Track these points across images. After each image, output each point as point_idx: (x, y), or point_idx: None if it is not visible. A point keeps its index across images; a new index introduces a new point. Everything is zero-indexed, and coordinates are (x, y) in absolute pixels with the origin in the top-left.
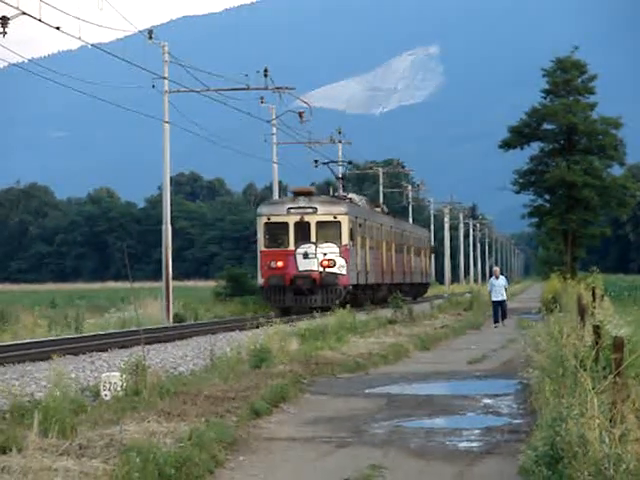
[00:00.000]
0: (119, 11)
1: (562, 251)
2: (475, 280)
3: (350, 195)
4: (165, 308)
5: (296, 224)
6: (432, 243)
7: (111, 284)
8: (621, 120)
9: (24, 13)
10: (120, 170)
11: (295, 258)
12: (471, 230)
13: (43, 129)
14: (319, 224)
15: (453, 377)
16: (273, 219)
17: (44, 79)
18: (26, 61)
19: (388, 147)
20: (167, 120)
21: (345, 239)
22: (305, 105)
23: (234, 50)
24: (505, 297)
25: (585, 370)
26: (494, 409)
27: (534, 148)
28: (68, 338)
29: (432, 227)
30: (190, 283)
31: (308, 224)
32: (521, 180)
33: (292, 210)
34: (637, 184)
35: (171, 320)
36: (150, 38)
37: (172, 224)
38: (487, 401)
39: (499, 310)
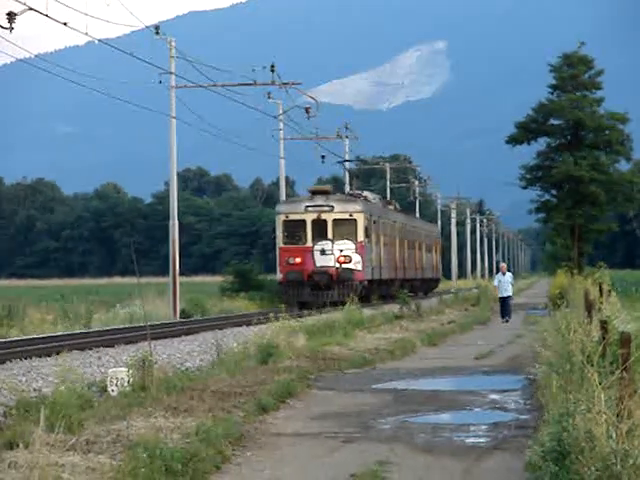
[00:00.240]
0: (126, 6)
1: (569, 246)
2: (482, 275)
3: (364, 193)
4: (172, 303)
5: (313, 222)
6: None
7: (117, 280)
8: (628, 115)
9: (31, 9)
10: (127, 165)
11: (313, 254)
12: (478, 225)
13: (50, 124)
14: (335, 222)
15: (460, 372)
16: (291, 217)
17: (51, 75)
18: (33, 57)
19: (395, 142)
20: (174, 115)
21: (360, 236)
22: (312, 100)
23: (241, 45)
24: (511, 293)
25: (592, 365)
26: (501, 405)
27: (541, 143)
28: (75, 333)
29: (439, 222)
30: (197, 278)
31: (325, 222)
32: (528, 175)
33: (309, 208)
34: None
35: (178, 315)
36: (157, 33)
37: (179, 219)
38: (494, 397)
39: (505, 305)
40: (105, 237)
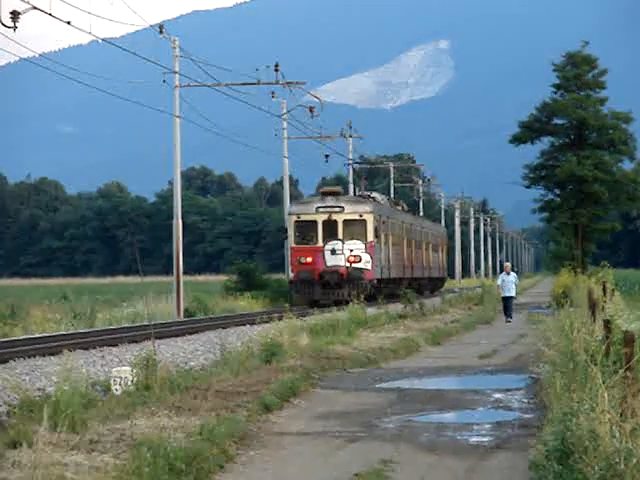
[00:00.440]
0: (130, 6)
1: (572, 246)
2: (486, 275)
3: (373, 194)
4: (176, 303)
5: (324, 222)
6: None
7: (121, 279)
8: (631, 115)
9: (35, 8)
10: (130, 165)
11: (323, 254)
12: (482, 225)
13: (53, 124)
14: (346, 222)
15: (464, 372)
16: (303, 217)
17: (55, 74)
18: (37, 56)
19: (399, 142)
20: (178, 115)
21: (370, 236)
22: (316, 100)
23: (245, 45)
24: (513, 294)
25: (596, 365)
26: (505, 404)
27: (545, 143)
28: (78, 332)
29: (443, 222)
30: (201, 278)
31: (335, 222)
32: (531, 175)
33: (320, 209)
34: None
35: (182, 315)
36: (161, 33)
37: (183, 219)
38: (498, 396)
39: (508, 305)
40: (109, 236)
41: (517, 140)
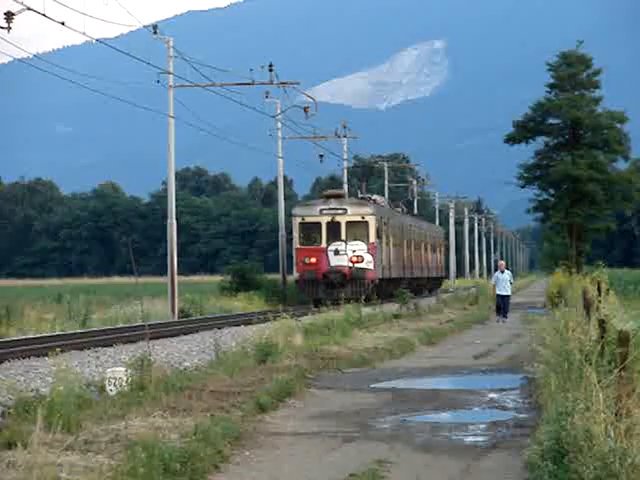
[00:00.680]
0: (124, 6)
1: (567, 245)
2: (480, 274)
3: (374, 196)
4: (170, 303)
5: (328, 224)
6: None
7: (116, 279)
8: (626, 114)
9: (29, 8)
10: (125, 165)
11: (327, 255)
12: (476, 224)
13: (48, 124)
14: (349, 224)
15: (459, 372)
16: (307, 219)
17: (49, 74)
18: (31, 56)
19: (393, 142)
20: (172, 115)
21: (372, 237)
22: (310, 100)
23: (239, 45)
24: (509, 292)
25: (590, 364)
26: (500, 403)
27: (539, 142)
28: (73, 333)
29: (437, 222)
30: (196, 278)
31: (339, 224)
32: (526, 174)
33: (324, 211)
34: None
35: (176, 315)
36: (155, 33)
37: (177, 219)
38: (493, 395)
39: (502, 304)
40: (103, 237)
41: (511, 140)
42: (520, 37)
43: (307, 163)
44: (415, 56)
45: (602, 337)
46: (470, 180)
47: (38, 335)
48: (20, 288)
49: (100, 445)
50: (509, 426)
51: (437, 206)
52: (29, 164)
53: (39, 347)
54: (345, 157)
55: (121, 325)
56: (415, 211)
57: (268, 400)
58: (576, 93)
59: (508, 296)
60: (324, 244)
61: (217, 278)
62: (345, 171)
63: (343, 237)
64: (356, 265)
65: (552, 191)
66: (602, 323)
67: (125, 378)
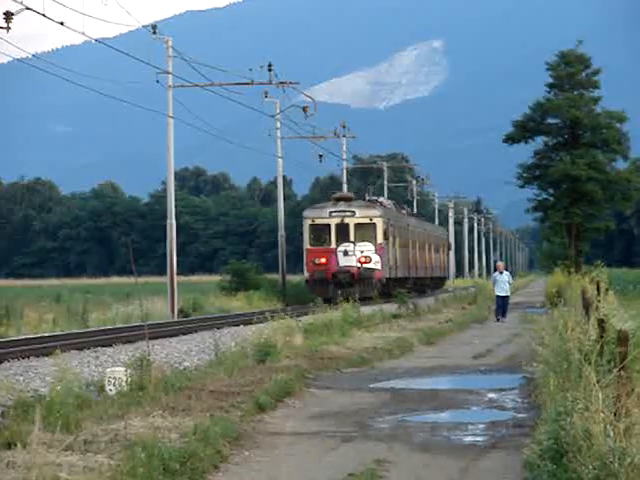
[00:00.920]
0: (123, 6)
1: (566, 245)
2: (479, 274)
3: (380, 199)
4: (170, 303)
5: (337, 225)
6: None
7: (115, 279)
8: (625, 114)
9: (28, 8)
10: (124, 165)
11: (336, 255)
12: (475, 224)
13: (47, 124)
14: (357, 225)
15: (457, 371)
16: (317, 221)
17: (48, 74)
18: (30, 56)
19: (392, 141)
20: (171, 115)
21: (379, 238)
22: (309, 100)
23: (238, 45)
24: (508, 293)
25: (590, 364)
26: (499, 403)
27: (538, 142)
28: (72, 333)
29: (437, 221)
30: (194, 278)
31: (347, 225)
32: (525, 174)
33: (333, 213)
34: None
35: (176, 315)
36: (154, 33)
37: (176, 219)
38: (492, 395)
39: (502, 305)
40: (103, 237)
41: (511, 140)
42: (519, 37)
43: (306, 163)
44: (414, 56)
45: (601, 337)
46: (469, 180)
47: (37, 335)
48: (19, 288)
49: (100, 445)
50: (508, 426)
51: (436, 206)
52: (28, 164)
53: (38, 347)
54: (344, 157)
55: (120, 325)
56: (414, 211)
57: (267, 400)
58: (575, 93)
59: (507, 296)
60: (333, 245)
61: (216, 278)
62: (344, 171)
63: (352, 238)
64: (364, 265)
65: (551, 191)
66: (601, 323)
67: (124, 378)
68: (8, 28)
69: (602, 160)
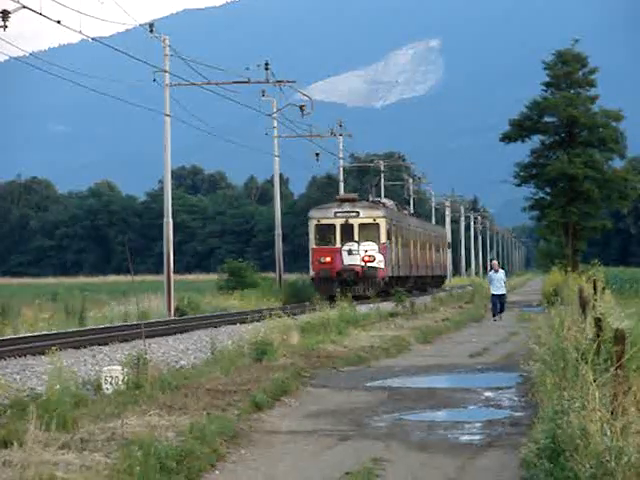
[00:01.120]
0: (120, 4)
1: (563, 244)
2: (476, 273)
3: (383, 200)
4: (166, 301)
5: (342, 226)
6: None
7: (112, 278)
8: (622, 113)
9: (25, 7)
10: (121, 164)
11: (341, 254)
12: (472, 223)
13: (44, 123)
14: (361, 226)
15: (454, 370)
16: (322, 221)
17: (45, 73)
18: (27, 55)
19: (389, 140)
20: (168, 113)
21: (383, 238)
22: (306, 98)
23: (235, 43)
24: (504, 291)
25: (586, 363)
26: (495, 402)
27: (535, 141)
28: (69, 332)
29: (433, 220)
30: (191, 276)
31: (352, 226)
32: (522, 173)
33: (338, 214)
34: (638, 177)
35: (172, 313)
36: (151, 32)
37: (173, 218)
38: (488, 394)
39: (498, 303)
40: (99, 235)
41: (507, 138)
42: (516, 36)
43: (303, 161)
44: (410, 55)
45: (598, 335)
46: (466, 179)
47: (34, 334)
48: (15, 287)
49: (96, 444)
50: (505, 424)
51: (433, 205)
52: (25, 163)
53: (35, 346)
54: (341, 155)
55: (117, 324)
56: (411, 209)
57: (264, 398)
58: (572, 92)
59: (503, 295)
60: (338, 244)
61: (212, 277)
62: (341, 169)
63: (356, 238)
64: (368, 264)
65: (548, 189)
66: (598, 321)
67: (121, 377)
68: (5, 27)
69: (599, 159)
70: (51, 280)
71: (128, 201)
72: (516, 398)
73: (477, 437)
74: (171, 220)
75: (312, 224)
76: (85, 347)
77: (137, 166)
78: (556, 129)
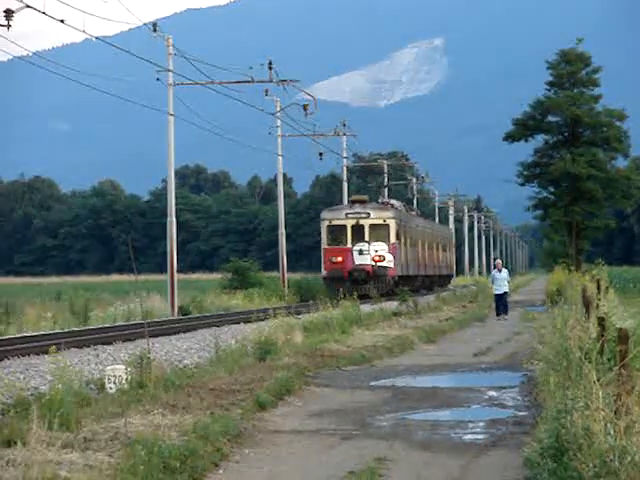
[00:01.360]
0: (124, 4)
1: (566, 243)
2: (480, 272)
3: (392, 201)
4: (170, 301)
5: (353, 226)
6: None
7: (116, 277)
8: (625, 112)
9: (28, 6)
10: (124, 163)
11: (352, 254)
12: (475, 222)
13: (47, 122)
14: (372, 226)
15: (458, 369)
16: (334, 222)
17: (49, 72)
18: (30, 54)
19: (392, 139)
20: (172, 113)
21: (392, 238)
22: (309, 97)
23: (238, 43)
24: (507, 290)
25: (590, 362)
26: (499, 401)
27: (538, 140)
28: (73, 331)
29: (437, 219)
30: (195, 276)
31: (363, 226)
32: (525, 172)
33: (350, 215)
34: None
35: (176, 313)
36: (155, 31)
37: (176, 217)
38: (492, 393)
39: (501, 303)
40: (103, 234)
41: (511, 138)
42: (520, 35)
43: (306, 161)
44: (414, 54)
45: (602, 335)
46: (469, 178)
47: (37, 333)
48: (19, 286)
49: (100, 443)
50: (508, 424)
51: (437, 204)
52: (29, 162)
53: (39, 345)
54: (344, 155)
55: (121, 323)
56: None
57: (267, 398)
58: (575, 91)
59: (506, 293)
60: (349, 245)
61: (216, 276)
62: (345, 169)
63: (367, 238)
64: (378, 264)
65: (551, 189)
66: (601, 321)
67: (125, 376)
68: (9, 26)
69: (602, 158)
70: (54, 279)
71: (131, 200)
72: (520, 397)
73: (481, 436)
74: (174, 219)
75: (324, 225)
76: (88, 346)
77: (140, 165)
78: (560, 128)
